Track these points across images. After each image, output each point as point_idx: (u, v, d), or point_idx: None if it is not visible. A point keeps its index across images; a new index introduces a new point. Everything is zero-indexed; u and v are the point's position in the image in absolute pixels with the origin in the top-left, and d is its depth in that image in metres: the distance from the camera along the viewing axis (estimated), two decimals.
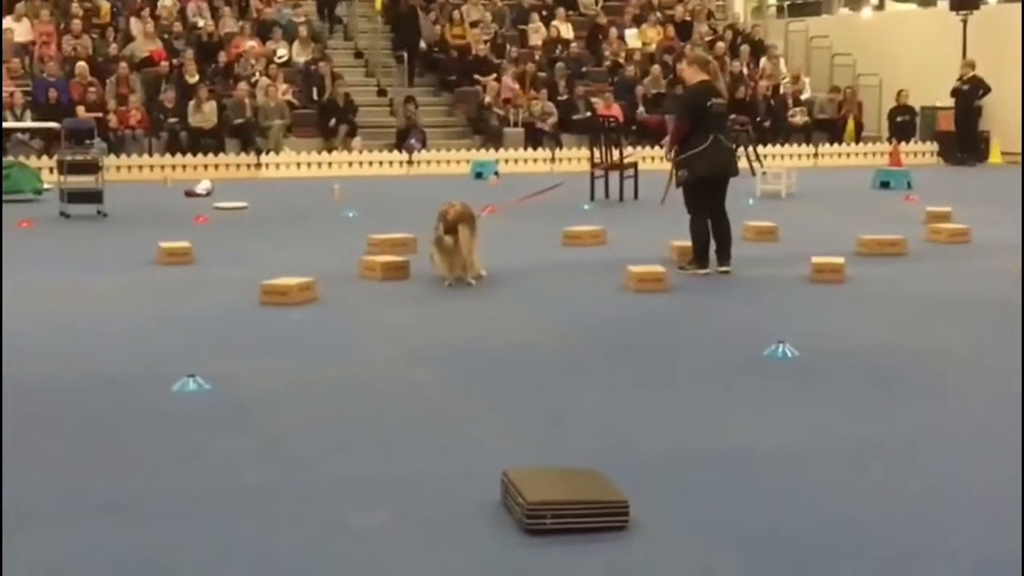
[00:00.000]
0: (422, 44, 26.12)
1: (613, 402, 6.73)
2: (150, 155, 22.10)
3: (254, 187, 19.77)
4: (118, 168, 20.71)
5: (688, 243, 10.94)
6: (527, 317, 9.16)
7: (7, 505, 4.96)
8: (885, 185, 19.45)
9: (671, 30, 27.77)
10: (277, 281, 9.68)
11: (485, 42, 25.99)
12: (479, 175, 21.36)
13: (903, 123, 25.80)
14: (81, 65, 22.87)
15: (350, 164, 22.65)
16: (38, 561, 4.51)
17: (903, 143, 24.84)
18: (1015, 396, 6.58)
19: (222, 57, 24.44)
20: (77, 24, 24.18)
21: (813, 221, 15.05)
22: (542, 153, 23.36)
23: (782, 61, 27.68)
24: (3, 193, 16.50)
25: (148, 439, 6.02)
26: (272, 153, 22.54)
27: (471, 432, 6.18)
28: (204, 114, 22.68)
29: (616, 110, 23.33)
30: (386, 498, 5.16)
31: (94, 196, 15.45)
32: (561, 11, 27.71)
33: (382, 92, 25.58)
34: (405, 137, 23.44)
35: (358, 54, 26.87)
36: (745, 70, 26.28)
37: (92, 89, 22.62)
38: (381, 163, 22.83)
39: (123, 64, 23.28)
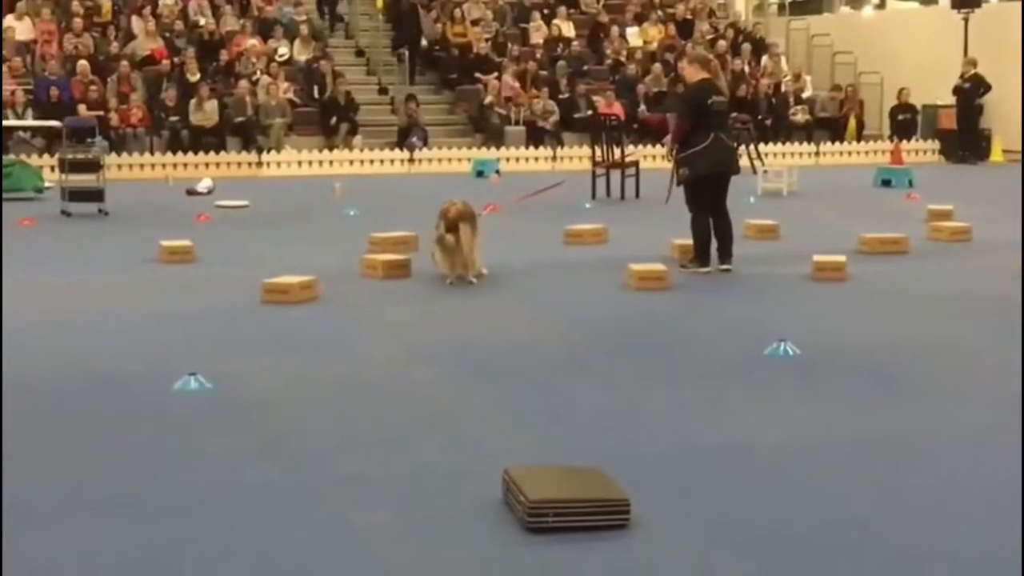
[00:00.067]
0: (423, 42, 26.11)
1: (614, 400, 6.73)
2: (151, 153, 22.07)
3: (255, 185, 19.78)
4: (119, 166, 20.69)
5: (689, 241, 10.94)
6: (528, 315, 9.16)
7: (7, 503, 4.95)
8: (886, 183, 19.44)
9: (672, 28, 27.75)
10: (278, 279, 9.67)
11: (486, 40, 25.97)
12: (480, 174, 21.33)
13: (904, 121, 25.80)
14: (82, 63, 22.86)
15: (351, 162, 22.63)
16: (38, 559, 4.51)
17: (904, 141, 24.85)
18: (1016, 394, 6.57)
19: (223, 55, 24.43)
20: (78, 22, 24.18)
21: (814, 219, 15.05)
22: (543, 152, 23.34)
23: (783, 59, 27.66)
24: (4, 191, 16.51)
25: (149, 437, 6.02)
26: (273, 151, 22.52)
27: (472, 430, 6.18)
28: (205, 112, 22.68)
29: (617, 108, 23.33)
30: (387, 496, 5.16)
31: (95, 194, 15.45)
32: (562, 9, 27.67)
33: (383, 90, 25.57)
34: (406, 135, 23.42)
35: (359, 52, 26.87)
36: (746, 68, 26.25)
37: (93, 87, 22.61)
38: (382, 161, 22.82)
39: (124, 62, 23.27)
